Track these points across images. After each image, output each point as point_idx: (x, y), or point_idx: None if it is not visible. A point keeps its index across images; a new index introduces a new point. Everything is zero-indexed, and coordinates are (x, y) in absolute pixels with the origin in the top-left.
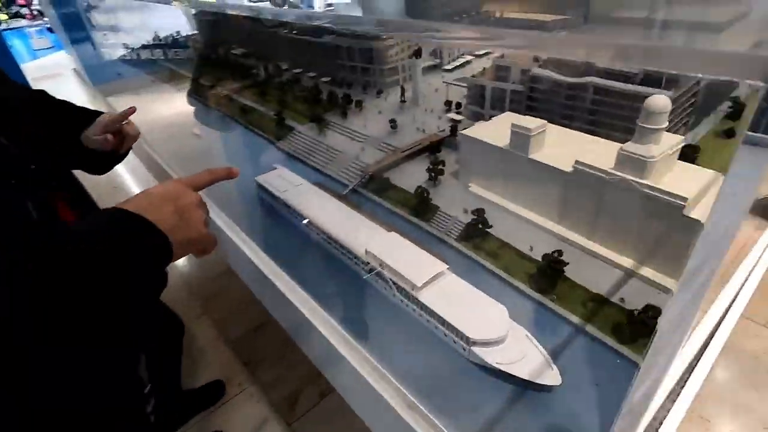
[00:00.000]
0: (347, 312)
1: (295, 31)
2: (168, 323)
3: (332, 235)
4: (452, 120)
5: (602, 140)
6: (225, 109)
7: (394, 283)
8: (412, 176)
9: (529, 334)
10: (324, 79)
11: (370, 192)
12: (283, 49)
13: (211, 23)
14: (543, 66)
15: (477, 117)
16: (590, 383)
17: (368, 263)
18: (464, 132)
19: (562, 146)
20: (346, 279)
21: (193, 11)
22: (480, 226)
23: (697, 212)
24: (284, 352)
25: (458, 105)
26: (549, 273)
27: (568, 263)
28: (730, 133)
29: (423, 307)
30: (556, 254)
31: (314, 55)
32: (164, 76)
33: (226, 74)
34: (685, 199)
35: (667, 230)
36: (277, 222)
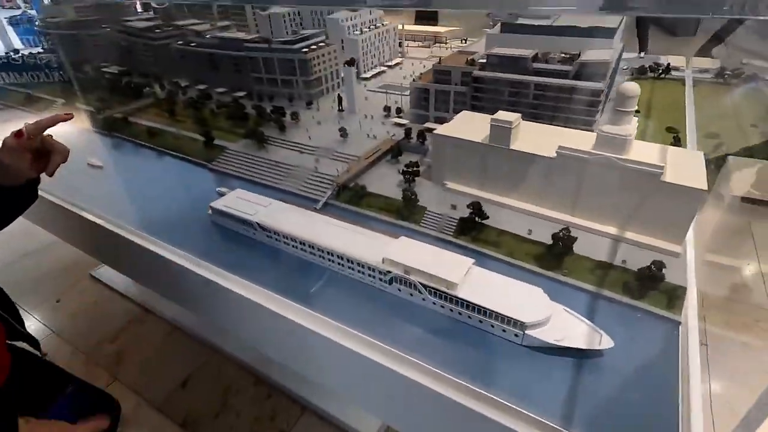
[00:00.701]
0: (378, 327)
1: (193, 44)
2: (99, 404)
3: (334, 251)
4: (397, 124)
5: (558, 128)
6: (124, 133)
7: (425, 286)
8: (381, 181)
9: (567, 308)
10: (238, 94)
11: (345, 203)
12: (177, 64)
13: (67, 39)
14: (481, 68)
15: (422, 119)
16: (625, 339)
17: (387, 272)
18: (438, 132)
19: (529, 136)
20: (362, 293)
21: (37, 23)
22: (477, 219)
23: (669, 177)
24: (226, 399)
25: (398, 110)
26: (560, 250)
27: (576, 238)
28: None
29: (463, 303)
30: (564, 233)
31: (222, 70)
32: (18, 100)
33: (111, 95)
34: (661, 167)
35: (649, 196)
36: (251, 249)
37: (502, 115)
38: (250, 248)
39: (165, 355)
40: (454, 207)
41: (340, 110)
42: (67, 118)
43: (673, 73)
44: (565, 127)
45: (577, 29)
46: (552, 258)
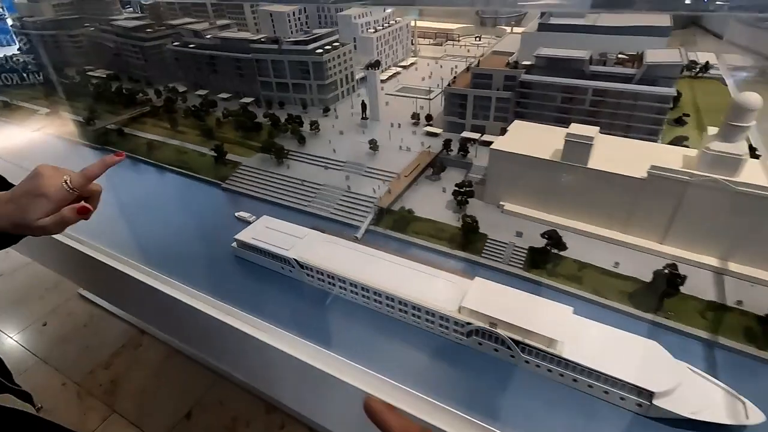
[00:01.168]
0: (460, 391)
1: (191, 45)
2: None
3: (396, 297)
4: (429, 133)
5: (635, 141)
6: (119, 147)
7: (517, 343)
8: (426, 202)
9: (691, 366)
10: (245, 100)
11: (389, 229)
12: (172, 67)
13: (48, 39)
14: (527, 71)
15: (457, 128)
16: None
17: (466, 324)
18: (496, 146)
19: (604, 150)
20: (431, 346)
21: (10, 21)
22: (553, 249)
23: None
24: (234, 428)
25: (428, 117)
26: (661, 289)
27: (686, 277)
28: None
29: (567, 364)
30: (668, 270)
31: (225, 73)
32: None
33: (100, 103)
34: None
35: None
36: (289, 291)
37: (578, 128)
38: (288, 290)
39: (165, 382)
40: (519, 234)
41: (364, 118)
42: (117, 160)
43: (710, 71)
44: (626, 137)
45: (628, 28)
46: (650, 297)
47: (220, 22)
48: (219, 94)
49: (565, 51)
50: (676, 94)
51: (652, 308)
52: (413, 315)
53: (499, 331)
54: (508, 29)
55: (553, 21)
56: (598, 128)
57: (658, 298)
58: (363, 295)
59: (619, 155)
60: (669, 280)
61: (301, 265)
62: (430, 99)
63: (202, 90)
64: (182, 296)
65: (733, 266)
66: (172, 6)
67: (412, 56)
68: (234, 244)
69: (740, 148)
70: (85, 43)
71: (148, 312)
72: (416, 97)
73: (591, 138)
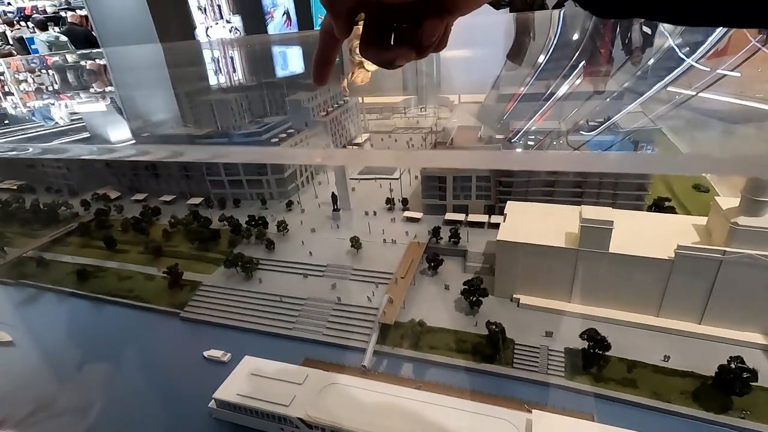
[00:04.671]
0: None
1: None
2: None
3: None
4: (409, 218)
5: (641, 213)
6: (39, 279)
7: None
8: (430, 306)
9: None
10: (192, 201)
11: (398, 347)
12: (101, 171)
13: None
14: (504, 145)
15: (438, 210)
16: None
17: None
18: (503, 237)
19: (616, 227)
20: None
21: None
22: (597, 351)
23: None
24: None
25: (404, 201)
26: (735, 388)
27: (756, 371)
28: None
29: None
30: (735, 364)
31: (166, 174)
32: None
33: (10, 224)
34: None
35: None
36: None
37: (591, 212)
38: None
39: None
40: (549, 334)
41: (336, 209)
42: None
43: None
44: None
45: (583, 93)
46: (717, 396)
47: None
48: (160, 197)
49: (541, 123)
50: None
51: (721, 408)
52: None
53: None
54: (452, 98)
55: (504, 91)
56: (611, 209)
57: (726, 395)
58: None
59: (632, 231)
60: (734, 376)
61: (309, 426)
62: (397, 179)
63: (139, 194)
64: None
65: None
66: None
67: (364, 132)
68: (212, 404)
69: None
70: None
71: None
72: (382, 178)
73: (610, 222)
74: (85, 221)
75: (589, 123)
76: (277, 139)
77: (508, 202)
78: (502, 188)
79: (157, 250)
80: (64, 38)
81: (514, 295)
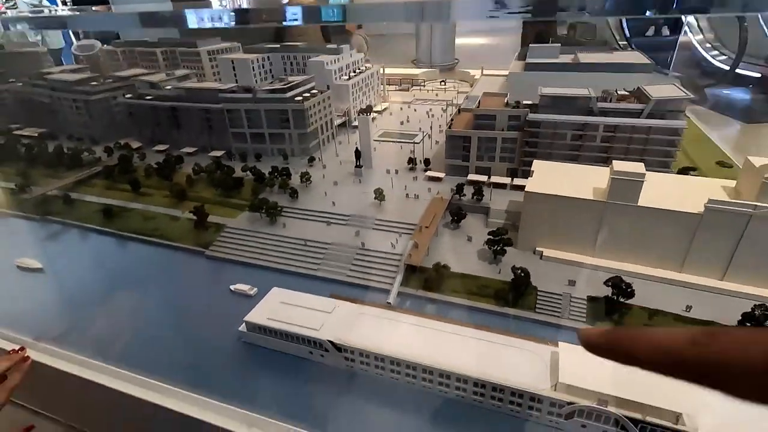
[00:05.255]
0: None
1: (149, 97)
2: None
3: (471, 378)
4: (431, 178)
5: (671, 175)
6: (65, 216)
7: (636, 422)
8: (454, 255)
9: None
10: (214, 154)
11: (422, 289)
12: (122, 121)
13: None
14: (532, 111)
15: (461, 171)
16: None
17: (567, 404)
18: (530, 189)
19: (645, 186)
20: None
21: None
22: (619, 298)
23: None
24: None
25: (426, 161)
26: None
27: None
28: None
29: None
30: (759, 311)
31: (189, 126)
32: None
33: (35, 166)
34: None
35: None
36: (325, 380)
37: (622, 165)
38: (327, 381)
39: None
40: (572, 283)
41: (358, 166)
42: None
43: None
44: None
45: (611, 65)
46: None
47: (179, 73)
48: (182, 149)
49: (570, 89)
50: (686, 126)
51: None
52: (493, 398)
53: (610, 409)
54: (473, 72)
55: (533, 60)
56: (642, 164)
57: None
58: (425, 379)
59: (660, 189)
60: (760, 323)
61: (338, 348)
62: (418, 143)
63: (160, 145)
64: (202, 413)
65: None
66: (116, 57)
67: (383, 102)
68: (242, 327)
69: None
70: (9, 100)
71: None
72: (403, 141)
73: (642, 174)
74: (109, 166)
75: (618, 92)
76: (300, 98)
77: (535, 161)
78: (527, 149)
79: (181, 194)
80: None
81: (537, 248)
